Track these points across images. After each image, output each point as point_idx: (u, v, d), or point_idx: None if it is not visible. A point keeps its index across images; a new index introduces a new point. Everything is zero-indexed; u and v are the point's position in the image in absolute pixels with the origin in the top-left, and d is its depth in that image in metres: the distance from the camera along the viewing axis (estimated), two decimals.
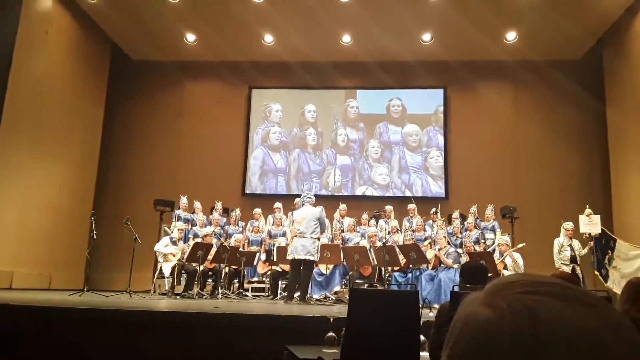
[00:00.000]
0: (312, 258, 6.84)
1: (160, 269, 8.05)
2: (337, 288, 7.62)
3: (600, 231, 7.65)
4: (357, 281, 7.21)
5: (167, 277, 7.90)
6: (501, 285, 0.51)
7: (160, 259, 8.09)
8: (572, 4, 9.03)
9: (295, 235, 6.89)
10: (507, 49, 10.60)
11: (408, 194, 10.66)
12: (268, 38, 10.74)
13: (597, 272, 7.68)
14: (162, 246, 8.09)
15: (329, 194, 10.75)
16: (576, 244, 7.65)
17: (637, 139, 8.96)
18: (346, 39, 10.61)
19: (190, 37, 10.86)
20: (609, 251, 7.70)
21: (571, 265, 7.45)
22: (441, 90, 11.17)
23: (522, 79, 10.95)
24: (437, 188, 10.81)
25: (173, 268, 7.89)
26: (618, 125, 9.73)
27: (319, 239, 7.04)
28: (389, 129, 11.16)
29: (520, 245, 7.54)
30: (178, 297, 7.55)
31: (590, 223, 7.64)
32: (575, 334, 0.44)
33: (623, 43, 9.51)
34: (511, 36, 10.31)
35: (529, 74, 10.86)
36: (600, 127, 10.34)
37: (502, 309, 0.47)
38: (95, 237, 7.42)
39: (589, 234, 7.65)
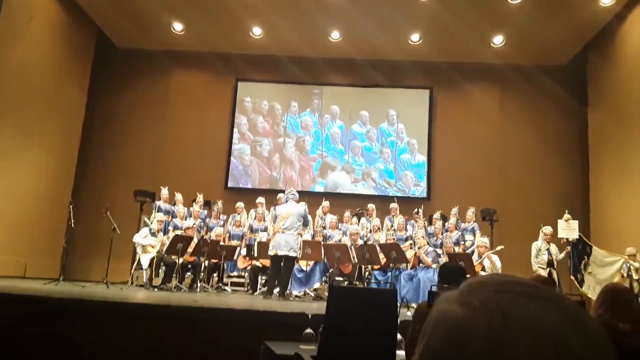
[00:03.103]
0: (294, 254, 6.84)
1: (139, 260, 7.96)
2: (317, 285, 7.62)
3: (577, 237, 7.78)
4: (337, 278, 7.23)
5: (145, 269, 7.82)
6: (475, 284, 0.52)
7: (138, 250, 8.00)
8: (560, 10, 9.13)
9: (279, 231, 6.86)
10: (495, 52, 10.69)
11: (391, 193, 10.65)
12: (256, 31, 10.66)
13: (572, 277, 7.80)
14: (141, 237, 7.99)
15: (312, 190, 10.69)
16: (554, 248, 7.76)
17: (616, 143, 9.14)
18: (335, 35, 10.59)
19: (178, 26, 10.72)
20: (585, 257, 7.84)
21: (548, 269, 7.56)
22: (427, 91, 11.18)
23: (509, 82, 11.06)
24: (419, 188, 10.82)
25: (152, 260, 7.80)
26: (598, 130, 9.91)
27: (301, 235, 7.04)
28: (378, 129, 11.05)
29: (498, 248, 7.63)
30: (156, 289, 7.47)
31: (569, 228, 7.76)
32: (545, 333, 0.46)
33: (608, 49, 9.66)
34: (498, 40, 10.40)
35: (515, 77, 10.96)
36: (583, 132, 10.50)
37: (475, 307, 0.48)
38: (72, 225, 7.30)
39: (567, 239, 7.76)
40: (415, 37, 10.50)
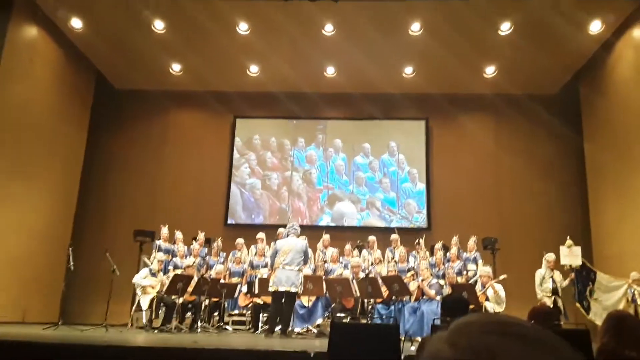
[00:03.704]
0: (295, 290, 6.74)
1: (139, 302, 7.86)
2: (319, 321, 7.50)
3: (581, 263, 7.71)
4: (339, 314, 7.12)
5: (145, 310, 7.71)
6: (464, 324, 0.53)
7: (138, 291, 7.91)
8: (548, 39, 9.33)
9: (279, 267, 6.77)
10: (487, 83, 10.87)
11: (395, 220, 10.74)
12: (253, 68, 10.86)
13: (578, 304, 7.70)
14: (141, 278, 7.92)
15: (312, 224, 10.71)
16: (557, 275, 7.67)
17: (613, 173, 9.16)
18: (330, 70, 10.79)
19: (176, 67, 10.93)
20: (590, 283, 7.75)
21: (553, 297, 7.46)
22: (423, 122, 11.33)
23: (503, 112, 11.19)
24: (422, 215, 10.87)
25: (151, 300, 7.70)
26: (595, 160, 9.95)
27: (301, 270, 6.97)
28: (380, 160, 11.21)
29: (501, 277, 7.55)
30: (156, 331, 7.34)
31: (571, 254, 7.70)
32: None
33: (598, 79, 9.81)
34: (490, 70, 10.58)
35: (509, 107, 11.11)
36: (579, 160, 10.55)
37: (464, 348, 0.49)
38: (72, 268, 7.24)
39: (570, 265, 7.69)
40: (408, 70, 10.69)
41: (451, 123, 11.38)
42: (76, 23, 9.50)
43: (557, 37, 9.21)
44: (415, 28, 9.27)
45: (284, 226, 7.83)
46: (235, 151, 11.41)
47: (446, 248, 8.67)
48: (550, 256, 7.71)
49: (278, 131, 11.51)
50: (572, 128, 10.63)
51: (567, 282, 7.68)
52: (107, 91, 11.60)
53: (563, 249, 7.75)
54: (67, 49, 10.04)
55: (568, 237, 7.86)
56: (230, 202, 11.11)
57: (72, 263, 7.20)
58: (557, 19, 8.59)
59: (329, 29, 9.38)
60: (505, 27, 9.16)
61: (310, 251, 8.73)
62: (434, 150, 11.27)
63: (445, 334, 0.54)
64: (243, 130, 11.52)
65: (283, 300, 6.72)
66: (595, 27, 9.00)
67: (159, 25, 9.48)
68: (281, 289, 6.64)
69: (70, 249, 7.41)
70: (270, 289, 6.78)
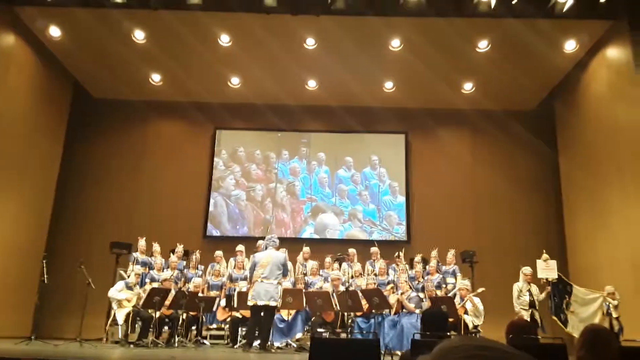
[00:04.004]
0: (274, 304, 6.66)
1: (114, 316, 7.68)
2: (299, 335, 7.45)
3: (557, 276, 7.83)
4: (319, 330, 7.08)
5: (121, 324, 7.54)
6: (447, 349, 0.54)
7: (114, 305, 7.74)
8: (524, 58, 9.56)
9: (258, 280, 6.69)
10: (465, 98, 11.07)
11: (376, 232, 10.87)
12: (235, 80, 10.85)
13: (555, 317, 7.80)
14: (117, 291, 7.75)
15: (293, 236, 10.70)
16: (534, 288, 7.77)
17: (587, 187, 9.38)
18: (312, 83, 10.85)
19: (156, 77, 10.85)
20: (566, 296, 7.87)
21: (530, 310, 7.55)
22: (403, 135, 11.47)
23: (480, 127, 11.39)
24: (402, 227, 10.97)
25: (127, 314, 7.55)
26: (570, 175, 10.19)
27: (280, 283, 6.90)
28: (362, 173, 11.34)
29: (480, 290, 7.62)
30: (132, 345, 7.19)
31: (548, 268, 7.81)
32: None
33: (573, 96, 10.07)
34: (468, 86, 10.78)
35: (486, 122, 11.32)
36: (554, 174, 10.78)
37: None
38: (46, 281, 7.06)
39: (547, 279, 7.81)
40: (389, 85, 10.82)
41: (430, 137, 11.53)
42: (54, 32, 9.37)
43: (533, 56, 9.45)
44: (395, 44, 9.41)
45: (263, 238, 7.77)
46: (220, 163, 11.41)
47: (425, 261, 8.72)
48: (527, 269, 7.81)
49: (263, 144, 11.58)
50: (548, 144, 10.87)
51: (544, 295, 7.79)
52: (85, 100, 11.43)
53: (539, 263, 7.86)
54: (45, 57, 9.88)
55: (544, 251, 7.99)
56: (216, 212, 11.11)
57: (45, 276, 7.03)
58: (533, 38, 8.82)
59: (310, 42, 9.45)
60: (483, 45, 9.36)
61: (290, 264, 8.69)
62: (414, 163, 11.39)
63: (428, 358, 0.54)
64: (228, 142, 11.53)
65: (262, 313, 6.65)
66: (570, 46, 9.27)
67: (139, 36, 9.41)
68: (260, 302, 6.56)
69: (44, 261, 7.23)
70: (249, 303, 6.70)
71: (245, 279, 8.25)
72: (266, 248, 7.05)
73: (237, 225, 11.14)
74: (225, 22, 8.98)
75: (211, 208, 11.10)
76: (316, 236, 10.85)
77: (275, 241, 7.03)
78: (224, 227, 11.08)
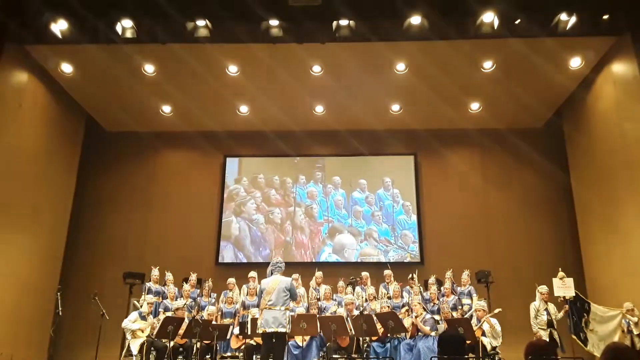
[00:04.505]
0: (283, 330, 6.51)
1: (128, 346, 7.65)
2: None
3: (574, 294, 7.70)
4: (335, 356, 6.99)
5: (135, 355, 7.50)
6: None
7: (128, 335, 7.72)
8: (528, 77, 9.61)
9: (265, 307, 6.58)
10: (472, 118, 11.11)
11: (392, 250, 11.00)
12: (243, 108, 11.02)
13: (574, 336, 7.64)
14: (131, 322, 7.74)
15: (312, 257, 10.94)
16: (552, 307, 7.65)
17: (600, 205, 9.27)
18: (319, 109, 10.98)
19: (166, 109, 11.05)
20: (585, 314, 7.73)
21: (548, 330, 7.41)
22: (412, 157, 11.54)
23: (488, 147, 11.40)
24: (417, 245, 11.04)
25: (142, 345, 7.51)
26: (582, 193, 10.10)
27: (288, 309, 6.78)
28: (376, 195, 11.50)
29: (496, 311, 7.49)
30: None
31: (564, 286, 7.69)
32: None
33: (580, 114, 10.05)
34: (475, 106, 10.83)
35: (494, 142, 11.34)
36: (566, 193, 10.69)
37: None
38: (60, 313, 7.08)
39: (564, 297, 7.68)
40: (395, 107, 10.91)
41: (439, 158, 11.55)
42: (66, 68, 9.61)
43: (539, 74, 9.49)
44: (401, 67, 9.53)
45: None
46: (241, 189, 11.72)
47: (440, 282, 8.63)
48: (543, 288, 7.70)
49: (280, 170, 11.88)
50: (557, 163, 10.83)
51: (561, 314, 7.65)
52: (97, 134, 11.65)
53: (556, 281, 7.74)
54: (57, 93, 10.11)
55: (560, 269, 7.88)
56: (240, 236, 11.37)
57: (60, 308, 7.05)
58: (538, 56, 8.89)
59: (316, 69, 9.60)
60: (488, 65, 9.44)
61: (303, 289, 8.64)
62: (423, 185, 11.41)
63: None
64: (248, 169, 11.82)
65: (273, 340, 6.55)
66: (575, 63, 9.29)
67: (149, 69, 9.62)
68: (269, 330, 6.41)
69: (59, 293, 7.27)
70: (258, 331, 6.59)
71: (257, 306, 8.16)
72: (271, 274, 6.79)
73: (260, 247, 11.42)
74: (233, 52, 9.17)
75: (235, 232, 11.38)
76: (334, 256, 11.06)
77: (281, 266, 6.80)
78: (247, 250, 11.33)
